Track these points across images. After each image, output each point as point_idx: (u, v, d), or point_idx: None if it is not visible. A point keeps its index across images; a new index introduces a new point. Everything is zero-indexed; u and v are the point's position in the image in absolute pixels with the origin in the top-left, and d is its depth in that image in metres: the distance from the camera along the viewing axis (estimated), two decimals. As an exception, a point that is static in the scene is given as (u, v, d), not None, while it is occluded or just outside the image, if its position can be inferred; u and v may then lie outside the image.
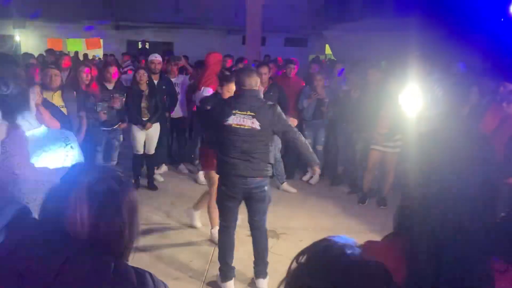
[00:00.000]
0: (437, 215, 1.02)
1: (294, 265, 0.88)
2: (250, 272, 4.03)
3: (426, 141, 1.21)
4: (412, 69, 5.57)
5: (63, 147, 2.04)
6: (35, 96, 1.88)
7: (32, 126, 2.11)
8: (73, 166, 1.15)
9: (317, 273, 0.83)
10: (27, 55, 7.66)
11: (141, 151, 6.05)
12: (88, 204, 1.03)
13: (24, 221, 1.00)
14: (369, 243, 1.17)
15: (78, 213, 1.01)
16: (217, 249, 4.45)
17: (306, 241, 3.51)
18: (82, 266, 0.97)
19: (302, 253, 0.89)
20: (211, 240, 4.63)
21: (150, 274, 1.09)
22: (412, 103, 5.12)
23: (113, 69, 5.85)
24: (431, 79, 5.47)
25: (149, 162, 6.18)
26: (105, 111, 5.45)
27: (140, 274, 1.06)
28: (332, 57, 14.77)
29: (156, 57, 6.41)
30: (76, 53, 14.25)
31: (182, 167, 6.98)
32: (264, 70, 6.00)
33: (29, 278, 0.93)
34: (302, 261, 0.88)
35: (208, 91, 6.02)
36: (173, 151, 7.29)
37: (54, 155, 2.01)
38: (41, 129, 2.14)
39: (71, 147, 2.07)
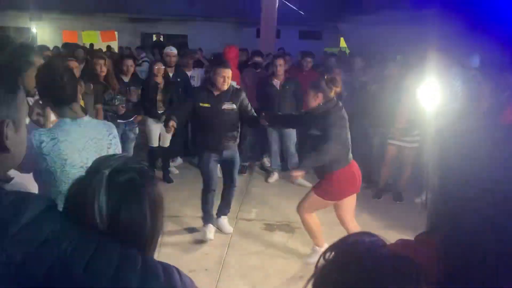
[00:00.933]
0: (475, 216, 0.99)
1: (322, 262, 0.87)
2: (264, 264, 4.03)
3: (447, 137, 1.18)
4: (430, 63, 5.48)
5: (106, 136, 2.13)
6: (82, 88, 2.03)
7: (77, 116, 2.22)
8: (98, 157, 1.14)
9: (346, 269, 0.81)
10: (43, 47, 7.69)
11: (156, 144, 6.07)
12: (107, 195, 1.02)
13: (51, 214, 0.99)
14: (402, 241, 1.14)
15: (97, 204, 1.01)
16: (233, 241, 4.47)
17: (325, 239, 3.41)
18: (109, 260, 0.96)
19: (329, 249, 0.88)
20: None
21: (177, 269, 1.08)
22: (430, 97, 5.05)
23: (129, 62, 5.86)
24: (449, 74, 5.37)
25: (164, 154, 6.20)
26: (123, 104, 5.47)
27: (167, 269, 1.05)
28: (347, 50, 14.64)
29: (172, 50, 6.40)
30: (91, 45, 14.33)
31: (196, 160, 6.98)
32: (280, 62, 5.96)
33: (58, 272, 0.92)
34: (329, 258, 0.86)
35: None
36: (188, 143, 7.30)
37: (98, 143, 2.09)
38: (86, 119, 2.22)
39: (114, 136, 2.15)
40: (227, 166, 4.55)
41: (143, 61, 9.46)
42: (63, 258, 0.93)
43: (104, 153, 2.03)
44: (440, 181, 1.11)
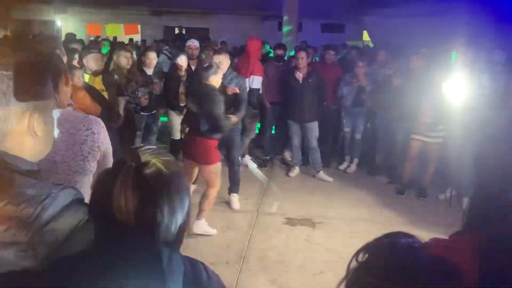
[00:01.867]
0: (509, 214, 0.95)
1: (354, 263, 0.83)
2: (285, 259, 4.01)
3: (475, 132, 1.14)
4: (457, 56, 5.36)
5: (82, 130, 2.00)
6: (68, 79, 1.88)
7: (56, 106, 2.10)
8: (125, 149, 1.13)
9: (383, 273, 0.78)
10: (70, 34, 7.79)
11: (178, 136, 6.09)
12: (134, 188, 1.00)
13: (77, 207, 0.99)
14: (436, 240, 1.11)
15: (124, 197, 0.99)
16: (254, 234, 4.47)
17: (343, 231, 3.49)
18: (135, 255, 0.95)
19: (362, 250, 0.84)
20: (248, 226, 4.64)
21: (204, 265, 1.07)
22: (457, 92, 4.94)
23: (152, 55, 5.89)
24: (476, 68, 5.23)
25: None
26: (146, 97, 5.50)
27: (194, 264, 1.03)
28: (370, 44, 14.43)
29: (193, 43, 6.40)
30: (115, 38, 14.45)
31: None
32: (302, 55, 5.90)
33: (84, 265, 0.92)
34: (363, 259, 0.83)
35: (257, 80, 6.00)
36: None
37: (70, 137, 1.96)
38: (63, 110, 2.10)
39: (92, 132, 2.02)
40: (226, 148, 5.07)
41: (162, 53, 9.48)
42: (89, 252, 0.93)
43: (76, 148, 1.93)
44: (480, 180, 1.07)
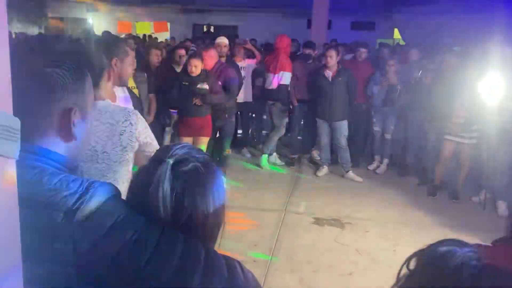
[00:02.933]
0: None
1: (405, 271, 0.80)
2: (313, 258, 3.97)
3: None
4: (494, 54, 5.18)
5: (121, 122, 2.04)
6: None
7: (97, 99, 2.13)
8: (161, 146, 1.13)
9: (436, 283, 0.74)
10: (106, 33, 7.95)
11: None
12: (171, 184, 1.00)
13: (116, 202, 0.99)
14: (482, 248, 1.06)
15: (161, 193, 0.99)
16: (282, 233, 4.44)
17: (372, 233, 3.42)
18: (173, 252, 0.95)
19: (413, 257, 0.81)
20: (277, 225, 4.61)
21: (239, 262, 1.05)
22: (492, 92, 4.78)
23: (182, 52, 5.92)
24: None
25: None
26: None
27: (230, 263, 1.02)
28: (401, 42, 14.18)
29: (223, 40, 6.40)
30: (145, 36, 14.65)
31: (245, 150, 7.00)
32: (331, 53, 5.83)
33: (122, 262, 0.92)
34: (415, 267, 0.79)
35: (286, 76, 5.98)
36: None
37: (110, 128, 2.00)
38: (103, 103, 2.13)
39: (130, 123, 2.06)
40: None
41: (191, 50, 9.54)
42: (127, 248, 0.92)
43: (115, 138, 2.00)
44: None
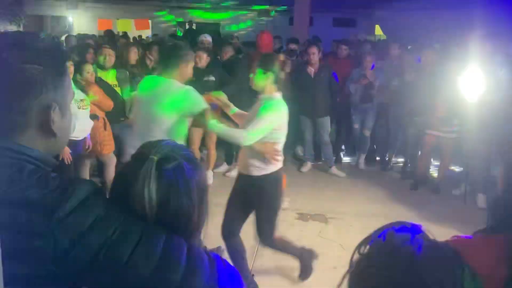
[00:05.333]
0: None
1: (357, 256, 0.83)
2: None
3: (492, 128, 1.11)
4: (472, 50, 5.27)
5: None
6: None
7: None
8: (145, 143, 1.13)
9: (383, 263, 0.77)
10: (83, 35, 7.86)
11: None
12: (156, 182, 1.00)
13: (97, 199, 0.98)
14: (458, 239, 1.08)
15: (146, 191, 0.99)
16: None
17: (355, 227, 3.46)
18: (155, 248, 0.95)
19: (364, 243, 0.83)
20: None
21: (221, 258, 1.06)
22: (472, 86, 4.86)
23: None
24: (493, 61, 5.14)
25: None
26: None
27: (212, 257, 1.03)
28: (381, 38, 14.29)
29: (206, 38, 6.38)
30: (125, 33, 14.50)
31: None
32: (313, 50, 5.86)
33: (103, 259, 0.91)
34: (365, 251, 0.82)
35: None
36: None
37: None
38: None
39: None
40: None
41: None
42: (109, 245, 0.92)
43: None
44: (508, 179, 1.04)
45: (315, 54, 5.82)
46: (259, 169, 3.10)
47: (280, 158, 3.13)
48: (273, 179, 3.13)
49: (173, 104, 2.84)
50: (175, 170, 1.03)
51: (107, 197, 1.05)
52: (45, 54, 1.01)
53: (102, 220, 0.94)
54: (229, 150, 6.16)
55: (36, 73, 0.97)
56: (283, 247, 3.41)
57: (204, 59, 5.31)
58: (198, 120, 2.90)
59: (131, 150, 3.39)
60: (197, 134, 5.56)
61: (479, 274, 0.74)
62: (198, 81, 5.35)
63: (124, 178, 1.03)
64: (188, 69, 3.01)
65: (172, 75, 2.94)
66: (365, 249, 0.82)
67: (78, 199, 0.94)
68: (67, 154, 3.98)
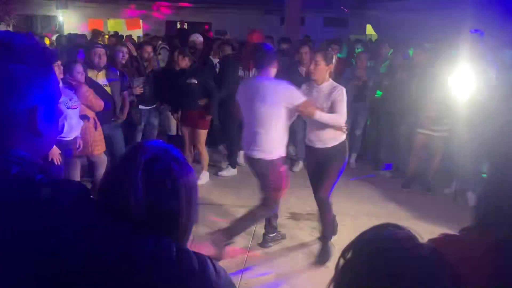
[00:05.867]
0: None
1: (342, 261, 0.82)
2: (289, 253, 3.99)
3: (479, 127, 1.12)
4: (463, 50, 5.30)
5: None
6: None
7: None
8: (132, 144, 1.11)
9: (366, 268, 0.76)
10: (73, 35, 7.80)
11: (174, 132, 6.06)
12: (144, 183, 0.99)
13: (83, 201, 0.97)
14: (445, 236, 1.08)
15: (133, 192, 0.98)
16: (258, 229, 4.44)
17: (347, 226, 3.47)
18: (143, 250, 0.93)
19: (347, 248, 0.83)
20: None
21: (211, 259, 1.05)
22: (462, 85, 4.90)
23: (149, 49, 5.88)
24: (484, 61, 5.18)
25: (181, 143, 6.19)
26: (141, 86, 5.50)
27: (201, 259, 1.01)
28: (374, 38, 14.34)
29: (198, 38, 6.38)
30: (116, 33, 14.42)
31: (222, 148, 6.98)
32: (305, 49, 5.86)
33: (90, 262, 0.90)
34: (348, 256, 0.82)
35: None
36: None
37: None
38: None
39: None
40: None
41: (161, 48, 9.43)
42: (96, 248, 0.91)
43: None
44: (492, 176, 1.04)
45: (307, 54, 5.82)
46: (335, 140, 3.90)
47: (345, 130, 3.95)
48: (342, 146, 3.93)
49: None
50: (163, 171, 1.02)
51: (95, 198, 1.04)
52: (31, 53, 0.99)
53: (89, 223, 0.92)
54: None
55: (21, 73, 0.95)
56: (330, 208, 4.09)
57: (182, 61, 5.30)
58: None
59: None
60: (186, 133, 5.56)
61: (463, 273, 0.74)
62: (180, 84, 5.36)
63: (111, 179, 1.02)
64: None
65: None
66: (349, 254, 0.82)
67: (64, 201, 0.92)
68: (56, 154, 3.95)
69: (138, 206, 0.97)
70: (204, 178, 5.60)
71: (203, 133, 5.53)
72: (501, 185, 1.03)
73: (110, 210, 0.98)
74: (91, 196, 1.04)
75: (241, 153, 6.42)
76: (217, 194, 5.31)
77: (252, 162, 3.85)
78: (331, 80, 3.94)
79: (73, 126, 4.21)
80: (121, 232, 0.94)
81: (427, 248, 0.76)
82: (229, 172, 6.09)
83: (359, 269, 0.76)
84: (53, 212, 0.90)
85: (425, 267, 0.72)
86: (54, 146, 3.42)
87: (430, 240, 1.00)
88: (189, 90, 5.35)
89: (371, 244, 0.79)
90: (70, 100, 4.17)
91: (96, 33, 9.41)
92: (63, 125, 4.02)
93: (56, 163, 3.95)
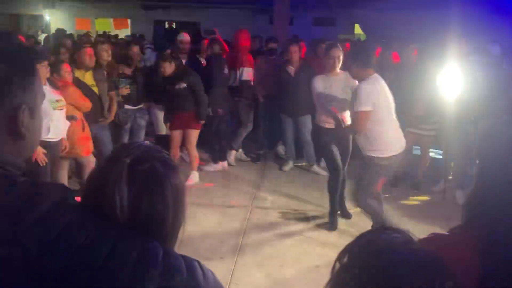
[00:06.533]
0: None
1: (337, 266, 0.81)
2: (280, 253, 3.99)
3: (468, 125, 1.12)
4: (450, 49, 5.34)
5: None
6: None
7: None
8: (118, 145, 1.09)
9: (363, 273, 0.75)
10: (60, 30, 7.70)
11: (163, 132, 6.03)
12: (128, 185, 0.97)
13: (68, 204, 0.95)
14: (435, 236, 1.08)
15: (117, 194, 0.96)
16: (248, 228, 4.44)
17: (339, 226, 3.45)
18: (129, 254, 0.91)
19: (343, 252, 0.82)
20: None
21: (199, 262, 1.03)
22: (450, 85, 4.93)
23: (135, 48, 5.83)
24: (470, 60, 5.22)
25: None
26: (128, 86, 5.46)
27: (189, 263, 1.00)
28: (362, 38, 14.42)
29: (185, 37, 6.35)
30: (104, 33, 14.31)
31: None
32: (294, 48, 5.87)
33: (75, 266, 0.88)
34: (344, 261, 0.80)
35: (247, 72, 5.97)
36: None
37: None
38: None
39: None
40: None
41: (146, 47, 9.36)
42: (80, 252, 0.89)
43: None
44: (480, 175, 1.04)
45: (296, 53, 5.83)
46: None
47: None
48: None
49: None
50: (147, 172, 1.00)
51: (81, 201, 1.02)
52: (13, 53, 0.97)
53: (72, 226, 0.90)
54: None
55: (1, 73, 0.93)
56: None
57: (168, 68, 5.26)
58: None
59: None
60: (177, 135, 5.51)
61: (453, 272, 0.73)
62: (169, 90, 5.32)
63: (96, 181, 1.00)
64: None
65: None
66: (345, 258, 0.81)
67: (46, 205, 0.90)
68: (40, 155, 3.88)
69: (123, 209, 0.95)
70: (194, 178, 5.57)
71: (195, 133, 5.51)
72: (490, 186, 1.03)
73: (94, 213, 0.96)
74: (76, 199, 1.03)
75: (233, 152, 6.42)
76: (207, 195, 5.30)
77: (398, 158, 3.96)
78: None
79: (59, 128, 4.15)
80: (105, 235, 0.92)
81: (425, 253, 0.75)
82: (213, 167, 6.15)
83: (355, 274, 0.75)
84: (34, 215, 0.88)
85: (422, 273, 0.71)
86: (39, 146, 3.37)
87: (419, 240, 0.99)
88: (179, 94, 5.32)
89: (367, 248, 0.77)
90: (56, 101, 4.11)
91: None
92: (49, 126, 3.96)
93: (40, 164, 3.89)
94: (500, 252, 0.91)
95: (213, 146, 6.26)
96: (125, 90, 5.42)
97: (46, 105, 3.81)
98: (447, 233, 1.10)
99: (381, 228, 0.83)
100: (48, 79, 4.12)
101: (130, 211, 0.97)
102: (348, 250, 0.80)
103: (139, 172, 0.98)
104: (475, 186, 1.09)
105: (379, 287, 0.71)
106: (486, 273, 0.91)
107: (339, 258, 0.80)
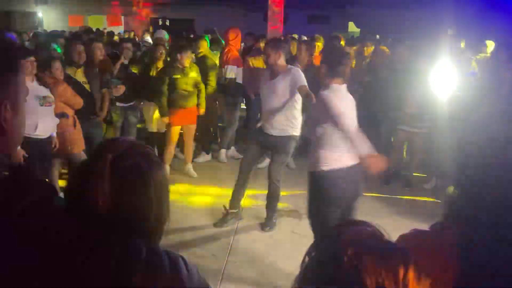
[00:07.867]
0: (496, 202, 0.93)
1: (307, 259, 0.82)
2: (272, 250, 4.00)
3: (459, 122, 1.13)
4: (444, 46, 5.36)
5: None
6: None
7: None
8: (102, 141, 1.09)
9: (324, 267, 0.75)
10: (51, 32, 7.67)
11: (154, 129, 6.01)
12: (110, 180, 0.96)
13: (51, 201, 0.94)
14: (416, 231, 1.08)
15: (100, 190, 0.95)
16: (240, 226, 4.45)
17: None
18: (112, 251, 0.91)
19: (313, 246, 0.83)
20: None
21: (183, 258, 1.03)
22: (442, 82, 4.95)
23: (128, 45, 5.81)
24: (463, 58, 5.25)
25: (161, 140, 6.12)
26: (120, 86, 5.44)
27: (173, 259, 1.00)
28: (355, 35, 14.42)
29: (164, 34, 6.39)
30: (98, 30, 14.22)
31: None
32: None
33: (58, 262, 0.88)
34: (313, 254, 0.81)
35: (233, 69, 5.96)
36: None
37: None
38: None
39: None
40: None
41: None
42: (62, 250, 0.88)
43: None
44: (460, 166, 1.05)
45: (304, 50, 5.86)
46: None
47: None
48: None
49: None
50: (131, 168, 0.99)
51: (64, 196, 1.01)
52: None
53: (55, 224, 0.90)
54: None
55: None
56: None
57: (185, 60, 5.33)
58: None
59: None
60: (177, 132, 5.53)
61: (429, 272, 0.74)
62: (177, 85, 5.35)
63: (79, 178, 1.00)
64: None
65: None
66: (314, 252, 0.81)
67: (29, 201, 0.90)
68: (19, 155, 3.76)
69: (105, 205, 0.95)
70: (191, 172, 5.74)
71: (194, 128, 5.69)
72: (472, 181, 1.04)
73: (77, 210, 0.96)
74: (61, 196, 1.02)
75: (223, 151, 6.42)
76: (199, 192, 5.29)
77: None
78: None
79: (47, 124, 4.10)
80: (87, 233, 0.91)
81: (392, 245, 0.76)
82: (203, 158, 6.30)
83: (323, 266, 0.76)
84: (16, 212, 0.87)
85: (387, 264, 0.71)
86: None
87: (400, 236, 1.00)
88: (182, 98, 5.39)
89: (335, 242, 0.78)
90: (44, 97, 4.04)
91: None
92: (36, 123, 3.91)
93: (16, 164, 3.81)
94: (479, 247, 0.92)
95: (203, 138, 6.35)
96: (120, 90, 5.40)
97: (32, 102, 3.77)
98: (427, 229, 1.10)
99: (349, 221, 0.83)
100: (36, 75, 4.07)
101: (113, 208, 0.96)
102: (317, 244, 0.81)
103: (121, 168, 0.98)
104: (457, 182, 1.10)
105: (344, 277, 0.72)
106: (464, 268, 0.92)
107: (309, 252, 0.81)
